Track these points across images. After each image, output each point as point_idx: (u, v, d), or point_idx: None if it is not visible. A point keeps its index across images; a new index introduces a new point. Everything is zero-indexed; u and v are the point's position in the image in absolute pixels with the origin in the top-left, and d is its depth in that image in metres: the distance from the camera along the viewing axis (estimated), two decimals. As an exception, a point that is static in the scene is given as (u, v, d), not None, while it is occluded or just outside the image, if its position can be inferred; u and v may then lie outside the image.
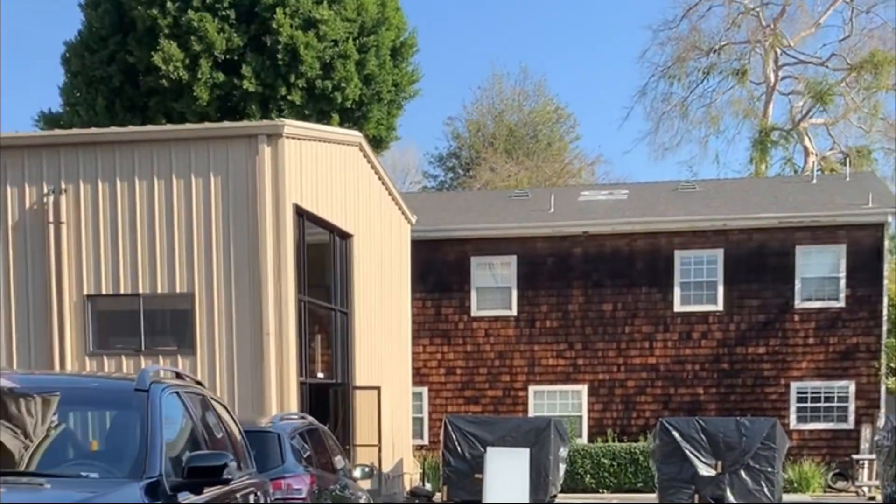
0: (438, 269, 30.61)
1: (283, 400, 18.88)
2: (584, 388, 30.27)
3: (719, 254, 29.63)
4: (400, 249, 27.51)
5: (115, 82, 30.14)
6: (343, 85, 30.03)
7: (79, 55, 30.83)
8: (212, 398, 8.67)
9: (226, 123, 20.41)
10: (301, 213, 19.98)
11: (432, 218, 31.37)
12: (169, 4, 29.14)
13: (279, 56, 29.50)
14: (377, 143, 32.76)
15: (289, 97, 29.51)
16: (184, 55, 29.18)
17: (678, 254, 29.75)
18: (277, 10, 29.33)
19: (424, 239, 29.90)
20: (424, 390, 30.77)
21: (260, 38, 29.70)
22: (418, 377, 30.31)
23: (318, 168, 20.76)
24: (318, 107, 30.05)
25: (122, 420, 7.14)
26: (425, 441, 30.23)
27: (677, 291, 29.76)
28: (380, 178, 25.33)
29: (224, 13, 29.46)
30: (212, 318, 18.98)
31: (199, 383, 8.68)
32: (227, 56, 29.61)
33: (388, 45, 31.45)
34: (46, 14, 71.03)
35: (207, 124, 20.54)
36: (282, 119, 18.84)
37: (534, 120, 53.49)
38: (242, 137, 18.80)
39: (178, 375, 8.35)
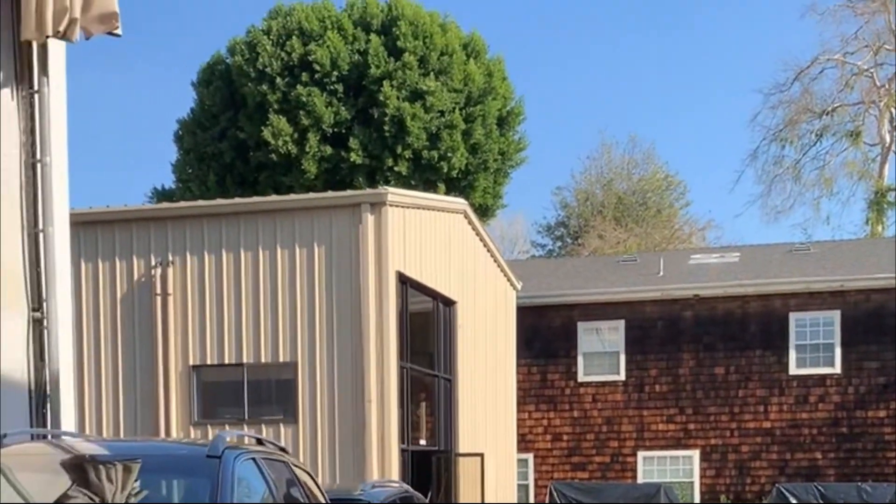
0: (544, 335, 30.20)
1: (384, 468, 18.69)
2: (695, 454, 29.43)
3: (836, 315, 28.72)
4: (505, 316, 27.27)
5: (226, 158, 30.65)
6: (449, 154, 30.10)
7: (191, 132, 31.43)
8: (294, 465, 8.50)
9: (330, 193, 20.56)
10: (404, 281, 19.91)
11: (538, 284, 31.08)
12: (278, 80, 29.60)
13: (386, 128, 29.70)
14: (484, 212, 32.72)
15: (395, 168, 29.67)
16: (292, 129, 29.55)
17: (793, 316, 28.89)
18: (384, 82, 29.59)
19: (530, 305, 29.54)
20: (530, 457, 30.21)
21: (367, 111, 29.97)
22: (524, 444, 29.76)
23: (421, 235, 20.71)
24: (425, 177, 30.14)
25: (195, 487, 7.01)
26: (533, 508, 29.70)
27: (792, 354, 28.88)
28: (485, 245, 25.20)
29: (332, 87, 29.82)
30: (314, 386, 18.93)
31: (282, 450, 8.53)
32: (335, 129, 29.91)
33: (494, 114, 31.48)
34: (160, 93, 72.94)
35: (312, 194, 20.71)
36: (385, 187, 18.86)
37: (643, 188, 53.16)
38: (346, 207, 18.84)
39: (260, 442, 8.20)
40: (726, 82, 71.33)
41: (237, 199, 19.38)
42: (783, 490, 22.26)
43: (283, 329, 19.04)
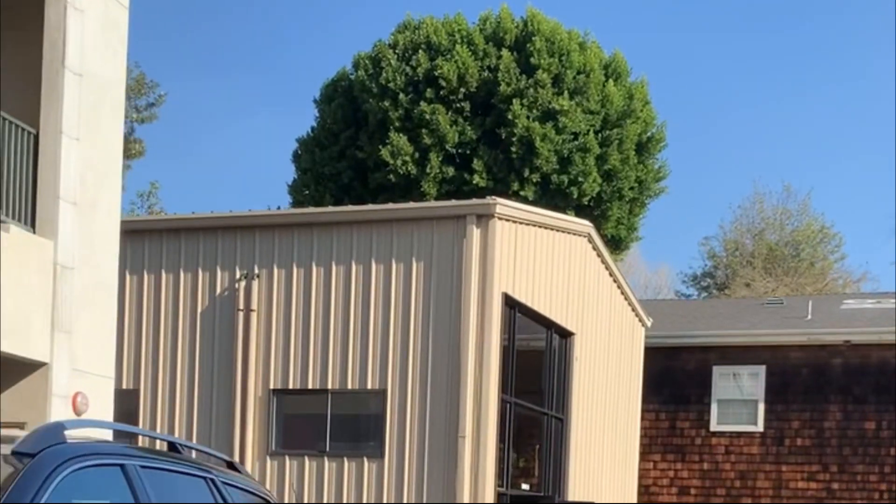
0: (675, 379, 27.63)
1: (478, 514, 16.25)
2: None
3: None
4: (631, 354, 24.63)
5: (345, 179, 28.77)
6: (581, 180, 27.67)
7: (310, 151, 29.76)
8: (241, 487, 6.01)
9: (432, 203, 18.39)
10: (512, 305, 17.54)
11: (673, 324, 28.51)
12: (401, 96, 27.65)
13: (513, 149, 27.46)
14: (617, 244, 30.17)
15: (521, 192, 27.31)
16: (413, 149, 27.53)
17: None
18: (514, 101, 27.34)
19: (661, 346, 27.06)
20: None
21: (494, 131, 27.76)
22: (647, 496, 27.36)
23: (535, 256, 18.31)
24: (553, 203, 27.69)
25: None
26: (654, 566, 26.90)
27: None
28: (611, 275, 22.64)
29: (458, 105, 27.71)
30: (403, 418, 16.69)
31: (231, 465, 6.12)
32: (459, 150, 27.81)
33: (633, 139, 28.96)
34: (280, 111, 72.13)
35: (412, 204, 18.47)
36: (494, 198, 16.50)
37: (796, 239, 51.34)
38: (450, 218, 16.63)
39: (173, 448, 5.72)
40: (887, 118, 67.55)
41: (330, 208, 17.38)
42: None
43: (374, 353, 16.88)
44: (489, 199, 16.45)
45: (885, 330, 26.44)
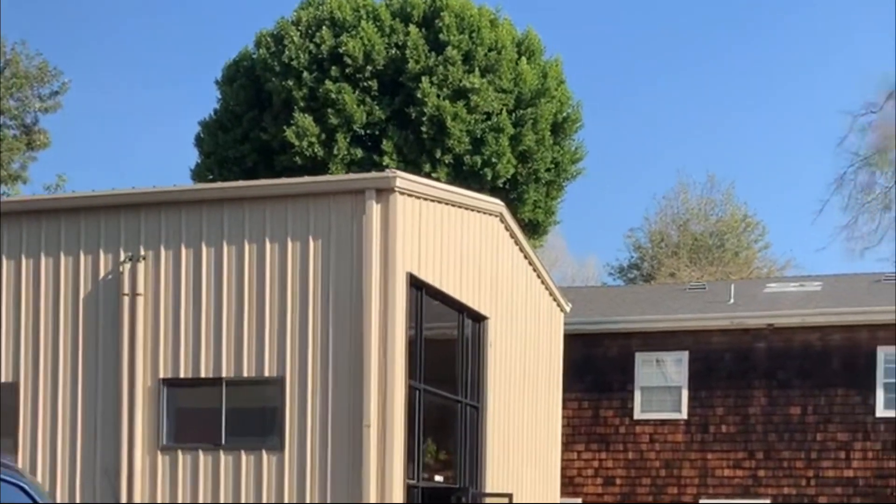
0: (597, 366, 27.25)
1: (385, 508, 15.50)
2: None
3: None
4: (550, 341, 24.04)
5: (249, 162, 27.89)
6: (494, 161, 27.07)
7: (212, 134, 28.87)
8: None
9: (328, 177, 17.62)
10: (419, 286, 16.81)
11: (593, 310, 28.11)
12: (305, 75, 26.81)
13: (424, 129, 26.80)
14: (534, 228, 29.62)
15: (433, 174, 26.61)
16: (319, 130, 26.72)
17: (882, 350, 25.65)
18: (423, 79, 26.63)
19: (582, 332, 26.73)
20: (578, 502, 27.18)
21: (403, 111, 27.03)
22: (571, 487, 26.92)
23: (443, 235, 17.61)
24: (467, 185, 27.02)
25: None
26: (579, 561, 26.42)
27: (880, 394, 25.62)
28: (526, 257, 22.01)
29: (365, 84, 26.93)
30: (304, 407, 15.88)
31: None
32: (367, 130, 27.06)
33: (548, 119, 28.42)
34: (181, 93, 70.93)
35: (307, 178, 17.66)
36: (394, 170, 15.72)
37: (721, 229, 52.14)
38: (348, 193, 15.82)
39: None
40: (810, 106, 68.12)
41: (219, 184, 16.49)
42: None
43: (271, 339, 16.08)
44: (388, 173, 15.69)
45: (809, 312, 26.38)
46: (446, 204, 17.55)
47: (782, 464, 26.20)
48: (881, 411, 25.53)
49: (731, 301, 27.94)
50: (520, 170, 28.04)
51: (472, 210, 18.85)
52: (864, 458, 25.75)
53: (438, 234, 17.37)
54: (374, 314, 15.49)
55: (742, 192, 72.36)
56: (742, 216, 51.90)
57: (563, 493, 26.05)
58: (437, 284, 17.37)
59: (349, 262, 15.67)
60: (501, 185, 27.65)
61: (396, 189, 15.52)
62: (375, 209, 15.52)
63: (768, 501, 26.14)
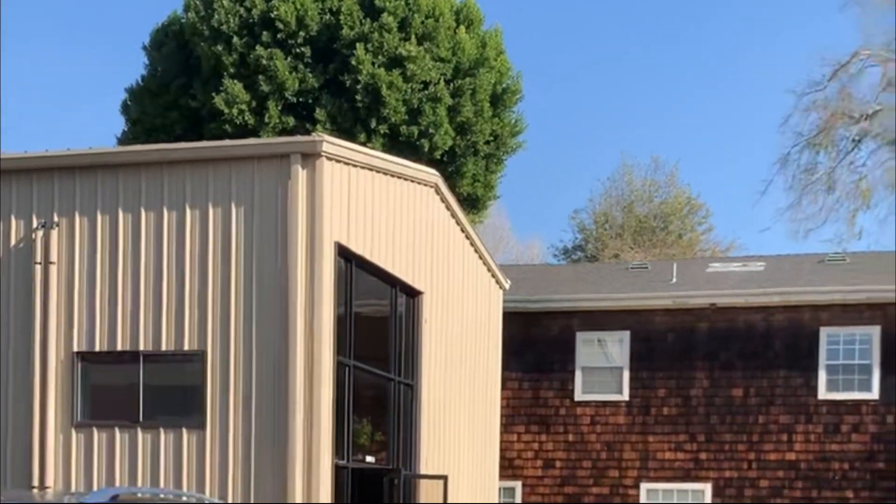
0: (537, 346, 26.97)
1: (311, 487, 15.07)
2: (707, 488, 26.08)
3: (875, 332, 25.44)
4: (489, 318, 23.68)
5: (177, 130, 27.22)
6: (432, 132, 26.62)
7: (139, 101, 28.15)
8: None
9: (251, 140, 17.06)
10: (348, 258, 16.36)
11: (534, 288, 27.84)
12: (235, 40, 26.20)
13: (359, 98, 26.27)
14: (473, 203, 29.22)
15: (368, 145, 26.08)
16: (250, 97, 26.12)
17: (824, 331, 25.66)
18: (358, 46, 26.10)
19: (522, 310, 26.48)
20: (518, 485, 26.95)
21: (337, 78, 26.49)
22: (511, 470, 26.70)
23: (375, 205, 17.14)
24: (403, 156, 26.54)
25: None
26: (517, 545, 26.19)
27: (823, 375, 25.60)
28: (464, 232, 21.62)
29: (298, 50, 26.36)
30: (226, 383, 15.42)
31: None
32: (300, 98, 26.48)
33: (487, 90, 28.00)
34: (108, 59, 69.70)
35: (229, 142, 17.11)
36: (321, 134, 15.22)
37: (665, 211, 52.28)
38: (272, 158, 15.34)
39: None
40: (755, 86, 68.35)
41: (137, 147, 15.89)
42: None
43: (191, 310, 15.64)
44: (315, 136, 15.19)
45: (752, 292, 26.29)
46: (378, 172, 17.09)
47: (724, 447, 26.14)
48: (823, 393, 25.54)
49: (674, 280, 27.81)
50: (458, 142, 27.62)
51: (406, 180, 18.40)
52: (806, 440, 25.74)
53: (369, 203, 16.90)
54: (299, 285, 15.03)
55: (686, 173, 72.77)
56: (686, 199, 52.04)
57: (502, 476, 25.87)
58: (367, 256, 16.91)
59: (273, 230, 15.19)
60: (439, 158, 27.21)
61: (323, 154, 15.03)
62: (301, 175, 15.05)
63: (709, 485, 26.05)
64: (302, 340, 15.07)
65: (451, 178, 27.66)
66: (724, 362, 26.15)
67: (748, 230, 75.93)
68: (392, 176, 17.71)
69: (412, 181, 18.69)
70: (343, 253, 16.00)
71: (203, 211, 15.43)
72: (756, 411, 25.93)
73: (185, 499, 8.46)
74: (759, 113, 70.71)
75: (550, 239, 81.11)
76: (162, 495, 6.97)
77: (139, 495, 7.96)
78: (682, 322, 26.41)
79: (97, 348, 15.73)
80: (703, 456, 26.19)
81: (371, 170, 16.84)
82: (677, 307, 26.34)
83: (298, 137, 15.85)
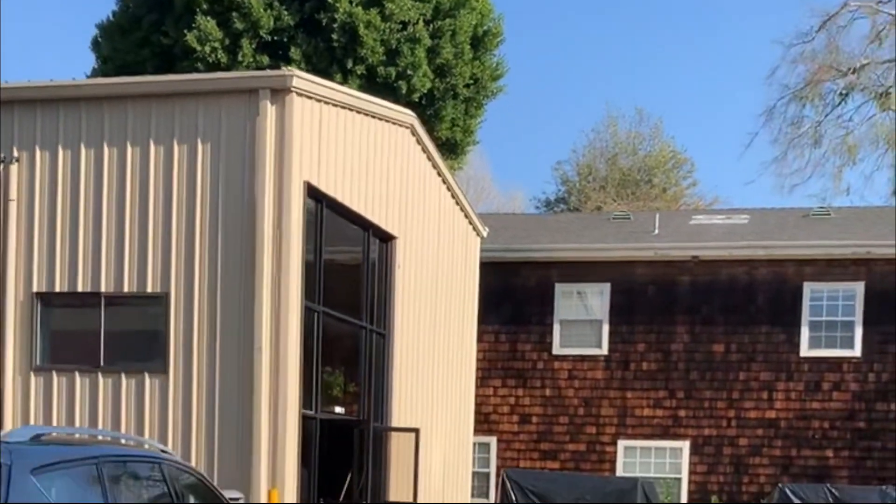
0: (515, 297, 26.68)
1: (276, 437, 14.76)
2: (685, 445, 25.93)
3: (858, 288, 25.27)
4: (465, 267, 23.36)
5: (149, 68, 26.60)
6: (410, 73, 26.17)
7: (110, 38, 27.60)
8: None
9: (220, 74, 16.68)
10: (319, 198, 16.00)
11: (513, 238, 27.45)
12: (209, -25, 25.65)
13: (335, 37, 25.81)
14: (451, 148, 28.81)
15: (345, 85, 25.61)
16: (223, 35, 25.61)
17: (808, 286, 25.46)
18: (335, -18, 25.59)
19: (500, 260, 26.14)
20: (493, 440, 26.75)
21: (313, 17, 25.98)
22: (486, 424, 26.46)
23: (347, 145, 16.76)
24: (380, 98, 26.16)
25: None
26: (491, 501, 25.97)
27: (805, 332, 25.46)
28: (440, 176, 21.25)
29: (273, -13, 25.84)
30: (190, 326, 15.07)
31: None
32: (274, 37, 25.97)
33: (467, 31, 27.53)
34: None
35: (196, 76, 16.76)
36: (291, 69, 14.79)
37: (649, 164, 52.19)
38: (240, 93, 14.94)
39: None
40: (743, 36, 67.95)
41: (101, 80, 15.46)
42: (788, 491, 18.48)
43: (154, 250, 15.28)
44: (285, 71, 14.80)
45: (735, 245, 26.08)
46: (351, 110, 16.70)
47: (703, 404, 26.01)
48: (806, 350, 25.42)
49: (656, 232, 27.52)
50: (437, 84, 27.17)
51: (381, 119, 18.01)
52: (786, 398, 25.65)
53: (341, 143, 16.52)
54: (266, 225, 14.67)
55: (670, 126, 72.47)
56: (671, 152, 51.95)
57: (478, 431, 25.67)
58: (339, 197, 16.55)
59: (241, 168, 14.82)
60: (417, 101, 26.74)
61: (293, 89, 14.63)
62: (270, 111, 14.66)
63: (687, 443, 25.93)
64: (268, 283, 14.73)
65: (430, 122, 27.23)
66: (706, 317, 25.94)
67: (732, 184, 76.00)
68: (366, 115, 17.31)
69: (387, 121, 18.30)
70: (313, 193, 15.64)
71: (168, 147, 15.03)
72: (737, 368, 25.81)
73: (123, 441, 8.13)
74: (746, 64, 70.46)
75: (533, 191, 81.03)
76: (78, 435, 6.71)
77: (55, 434, 7.65)
78: (664, 275, 26.19)
79: (57, 289, 15.36)
80: (681, 413, 26.05)
81: (344, 108, 16.45)
82: (659, 259, 26.10)
83: (268, 72, 15.48)
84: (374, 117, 17.66)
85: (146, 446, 8.23)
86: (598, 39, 70.44)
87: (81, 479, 6.36)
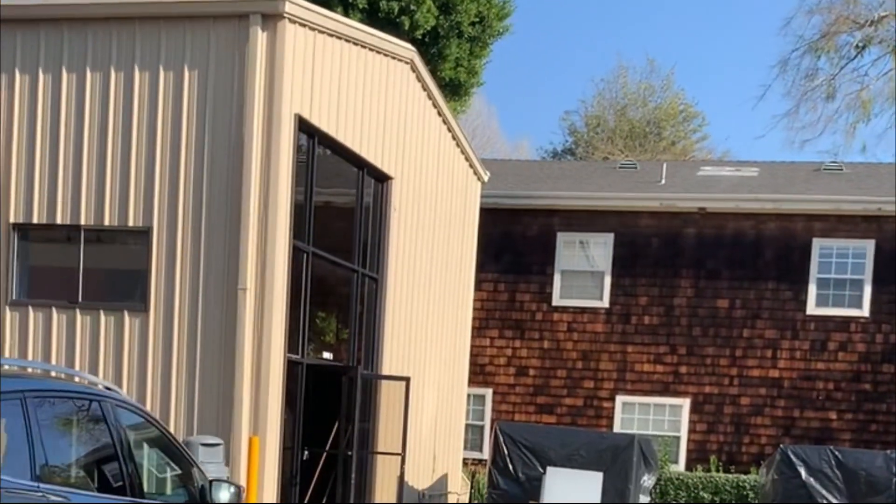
0: (516, 246, 26.16)
1: (259, 382, 14.26)
2: (685, 403, 25.49)
3: (869, 245, 24.78)
4: (464, 212, 22.78)
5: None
6: (413, 8, 25.39)
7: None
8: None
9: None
10: (311, 133, 15.42)
11: (515, 184, 26.93)
12: None
13: (334, -30, 25.00)
14: (455, 89, 28.10)
15: (345, 20, 24.91)
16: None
17: (817, 242, 24.93)
18: (334, -89, 24.79)
19: (500, 207, 25.70)
20: (488, 392, 26.34)
21: (313, -52, 25.16)
22: (482, 376, 26.09)
23: (342, 78, 16.13)
24: (381, 34, 25.43)
25: None
26: (485, 455, 25.45)
27: (812, 289, 24.93)
28: (441, 116, 20.62)
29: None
30: (172, 263, 14.50)
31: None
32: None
33: (472, -34, 26.72)
34: None
35: (186, -2, 15.87)
36: (284, -6, 14.11)
37: (658, 117, 51.78)
38: (230, 18, 14.27)
39: None
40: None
41: (84, 0, 14.60)
42: (789, 453, 17.98)
43: (136, 182, 14.67)
44: (278, -6, 14.07)
45: (743, 197, 25.54)
46: (347, 41, 16.03)
47: (705, 360, 25.58)
48: (812, 308, 24.95)
49: (663, 182, 27.04)
50: (441, 22, 26.41)
51: (379, 52, 17.35)
52: (791, 357, 25.22)
53: (336, 75, 15.87)
54: (254, 158, 14.06)
55: (682, 78, 71.65)
56: (682, 105, 51.59)
57: (472, 383, 25.30)
58: (332, 133, 15.92)
59: (229, 97, 14.19)
60: (420, 38, 26.00)
61: (286, 15, 13.97)
62: (261, 37, 14.01)
63: (688, 400, 25.53)
64: (255, 220, 14.15)
65: (433, 62, 26.52)
66: (711, 271, 25.45)
67: (743, 138, 75.20)
68: (363, 47, 16.65)
69: (385, 55, 17.63)
70: (305, 127, 15.03)
71: (153, 73, 14.39)
72: (741, 324, 25.35)
73: (77, 379, 7.56)
74: (760, 13, 69.40)
75: (540, 141, 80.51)
76: (7, 366, 6.15)
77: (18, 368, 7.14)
78: (669, 226, 25.65)
79: (35, 220, 14.78)
80: (683, 370, 25.63)
81: (340, 38, 15.78)
82: (665, 210, 25.56)
83: (260, -5, 14.65)
84: (371, 50, 17.00)
85: (77, 379, 7.64)
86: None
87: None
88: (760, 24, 69.79)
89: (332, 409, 17.14)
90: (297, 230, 15.12)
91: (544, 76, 68.25)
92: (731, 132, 75.58)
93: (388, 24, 25.26)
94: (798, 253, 24.91)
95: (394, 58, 17.92)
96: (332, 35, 15.50)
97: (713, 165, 32.02)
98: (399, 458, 17.84)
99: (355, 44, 16.33)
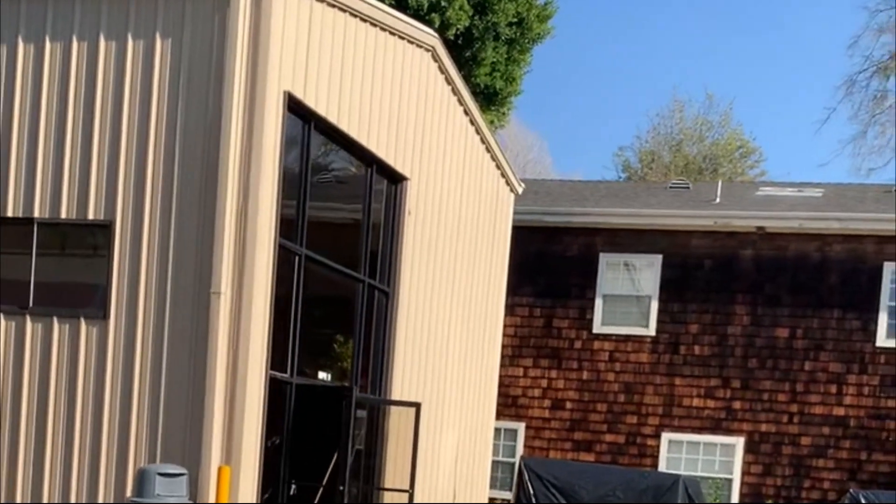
0: (554, 267, 25.22)
1: (234, 402, 12.39)
2: (739, 442, 24.39)
3: None
4: (494, 226, 21.04)
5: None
6: (444, 5, 23.85)
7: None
8: None
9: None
10: (305, 117, 13.56)
11: (553, 201, 26.04)
12: None
13: (361, -39, 23.44)
14: (491, 98, 26.59)
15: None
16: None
17: (888, 267, 23.82)
18: None
19: (538, 224, 24.92)
20: (521, 427, 25.30)
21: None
22: (514, 408, 25.26)
23: (348, 58, 14.35)
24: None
25: None
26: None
27: (883, 318, 23.85)
28: (468, 115, 18.82)
29: None
30: (136, 264, 12.79)
31: None
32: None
33: (510, -38, 25.41)
34: None
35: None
36: (273, -47, 12.32)
37: (715, 153, 51.72)
38: (209, -21, 12.46)
39: None
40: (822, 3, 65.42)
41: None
42: (861, 498, 16.19)
43: (98, 171, 13.05)
44: (265, -48, 12.30)
45: (807, 216, 24.48)
46: (354, 15, 14.22)
47: (762, 396, 24.75)
48: (883, 340, 24.04)
49: (717, 200, 25.95)
50: (476, 22, 25.05)
51: (394, 34, 15.55)
52: (858, 394, 24.32)
53: (339, 53, 14.08)
54: (233, 140, 12.27)
55: (740, 111, 70.79)
56: (739, 141, 51.39)
57: (503, 415, 24.55)
58: (333, 120, 14.08)
59: (206, 69, 12.48)
60: (453, 39, 24.57)
61: (274, -22, 12.20)
62: (243, 3, 12.21)
63: (742, 439, 24.50)
64: (232, 215, 12.36)
65: (467, 65, 25.27)
66: (769, 297, 24.49)
67: (804, 168, 74.04)
68: (374, 25, 14.87)
69: (402, 37, 15.85)
70: (297, 108, 13.21)
71: (121, 43, 12.70)
72: (802, 357, 24.48)
73: None
74: (823, 31, 67.94)
75: (592, 177, 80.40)
76: None
77: None
78: (724, 247, 24.67)
79: (-19, 213, 13.09)
80: (736, 405, 24.78)
81: (345, 10, 14.00)
82: (719, 229, 24.58)
83: (242, -45, 12.86)
84: (384, 30, 15.22)
85: None
86: (667, 17, 68.38)
87: None
88: (823, 42, 68.43)
89: (332, 437, 15.23)
90: (287, 228, 13.29)
91: (599, 111, 67.80)
92: (791, 164, 74.31)
93: (417, 20, 23.76)
94: (867, 278, 23.91)
95: (411, 42, 16.16)
96: (333, 6, 13.68)
97: (773, 186, 30.43)
98: (407, 494, 15.91)
99: (364, 20, 14.55)
